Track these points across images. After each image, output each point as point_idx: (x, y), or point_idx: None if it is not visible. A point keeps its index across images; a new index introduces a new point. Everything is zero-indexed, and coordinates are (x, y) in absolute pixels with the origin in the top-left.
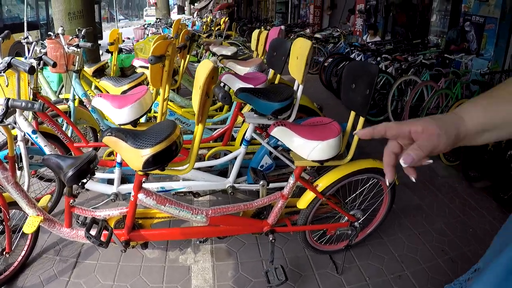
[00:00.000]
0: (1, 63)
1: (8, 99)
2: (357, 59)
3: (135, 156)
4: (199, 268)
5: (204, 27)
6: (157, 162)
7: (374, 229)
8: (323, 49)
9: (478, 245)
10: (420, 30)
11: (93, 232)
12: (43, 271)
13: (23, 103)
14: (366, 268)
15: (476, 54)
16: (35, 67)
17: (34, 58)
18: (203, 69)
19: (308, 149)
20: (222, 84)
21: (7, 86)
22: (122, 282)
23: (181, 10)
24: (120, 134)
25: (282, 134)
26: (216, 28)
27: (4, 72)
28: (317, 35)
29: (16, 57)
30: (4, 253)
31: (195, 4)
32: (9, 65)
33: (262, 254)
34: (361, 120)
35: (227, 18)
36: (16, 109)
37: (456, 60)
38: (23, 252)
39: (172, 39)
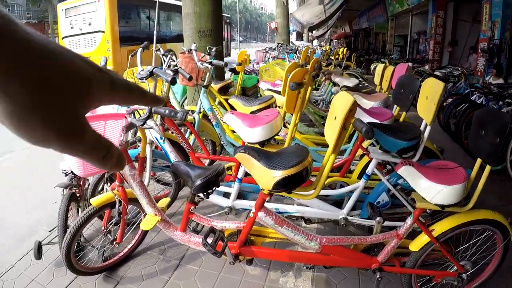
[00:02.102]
0: (143, 70)
1: None
2: (477, 101)
3: (266, 176)
4: None
5: (324, 55)
6: (287, 185)
7: (479, 284)
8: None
9: None
10: None
11: (209, 240)
12: (145, 266)
13: (167, 111)
14: None
15: None
16: (176, 79)
17: (171, 70)
18: (341, 101)
19: (433, 192)
20: None
21: None
22: None
23: (299, 36)
24: (253, 152)
25: (408, 173)
26: (335, 58)
27: (146, 80)
28: (437, 73)
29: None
30: (114, 243)
31: (313, 31)
32: (151, 74)
33: None
34: (487, 169)
35: (346, 49)
36: (154, 115)
37: None
38: (130, 245)
39: (307, 67)
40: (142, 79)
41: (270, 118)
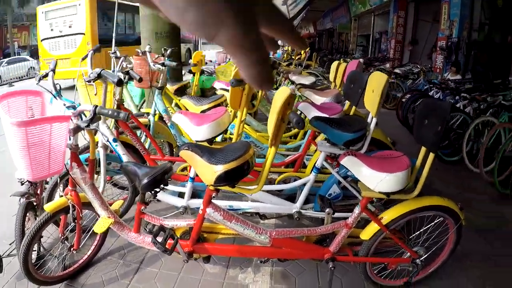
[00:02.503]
0: (92, 73)
1: (96, 106)
2: (435, 96)
3: (209, 171)
4: None
5: (285, 55)
6: (228, 179)
7: (435, 269)
8: (402, 85)
9: None
10: (502, 71)
11: (159, 239)
12: (105, 272)
13: (110, 111)
14: None
15: None
16: (123, 80)
17: (122, 72)
18: (280, 95)
19: (376, 180)
20: (298, 112)
21: (95, 95)
22: None
23: None
24: (196, 149)
25: (351, 163)
26: (297, 57)
27: (93, 82)
28: (397, 70)
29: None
30: (72, 249)
31: None
32: (99, 76)
33: (320, 282)
34: (431, 156)
35: (308, 48)
36: (100, 117)
37: None
38: (89, 252)
39: None
40: (90, 81)
41: (217, 115)
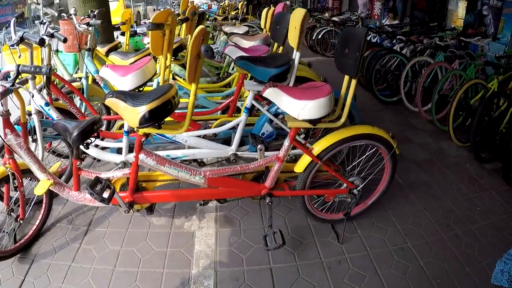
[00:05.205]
0: (15, 38)
1: (19, 65)
2: (373, 41)
3: (133, 114)
4: (203, 234)
5: (220, 10)
6: (152, 119)
7: (375, 199)
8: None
9: (485, 224)
10: (439, 15)
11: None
12: (56, 239)
13: (32, 67)
14: (367, 239)
15: (493, 38)
16: (45, 40)
17: (46, 35)
18: (194, 33)
19: (298, 108)
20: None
21: (19, 57)
22: (129, 247)
23: None
24: (120, 95)
25: (273, 95)
26: (234, 12)
27: (17, 46)
28: (335, 18)
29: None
30: (18, 219)
31: None
32: (22, 39)
33: (264, 222)
34: (353, 82)
35: (244, 2)
36: (29, 83)
37: (472, 43)
38: (37, 222)
39: (174, 10)
40: (13, 46)
41: (141, 64)
